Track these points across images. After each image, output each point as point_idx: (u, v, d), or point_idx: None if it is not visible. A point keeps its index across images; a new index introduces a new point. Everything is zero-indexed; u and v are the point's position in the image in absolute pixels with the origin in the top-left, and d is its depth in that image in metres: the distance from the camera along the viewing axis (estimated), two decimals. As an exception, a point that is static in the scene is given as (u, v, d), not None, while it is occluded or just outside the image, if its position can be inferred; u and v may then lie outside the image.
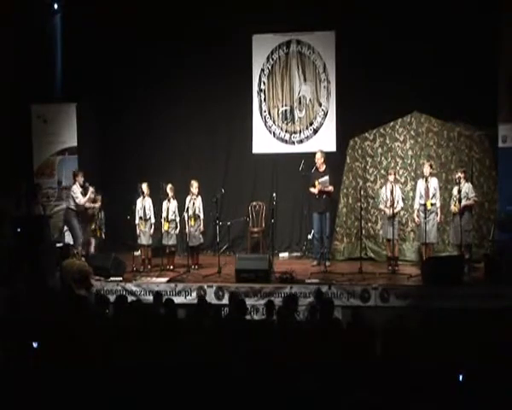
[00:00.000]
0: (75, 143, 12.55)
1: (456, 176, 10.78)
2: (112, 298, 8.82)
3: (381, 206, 11.16)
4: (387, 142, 12.10)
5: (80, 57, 12.62)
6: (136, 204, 11.47)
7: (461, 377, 4.92)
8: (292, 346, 5.71)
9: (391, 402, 4.78)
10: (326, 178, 11.35)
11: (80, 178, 11.45)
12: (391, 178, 11.03)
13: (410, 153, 11.92)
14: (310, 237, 12.15)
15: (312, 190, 11.46)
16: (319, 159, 11.45)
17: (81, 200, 11.31)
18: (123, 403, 4.83)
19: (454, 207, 10.65)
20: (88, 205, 11.48)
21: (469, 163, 11.53)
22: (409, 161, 11.93)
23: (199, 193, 11.52)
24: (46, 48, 12.73)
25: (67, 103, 12.60)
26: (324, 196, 11.40)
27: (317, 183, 11.33)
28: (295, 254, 12.79)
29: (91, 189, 11.54)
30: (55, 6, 12.73)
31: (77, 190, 11.34)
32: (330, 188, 11.45)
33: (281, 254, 12.65)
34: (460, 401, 4.82)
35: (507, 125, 10.97)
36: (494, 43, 11.27)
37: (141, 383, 4.99)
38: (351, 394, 4.67)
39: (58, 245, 11.48)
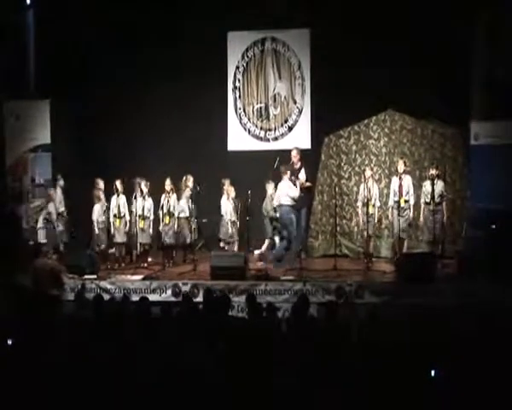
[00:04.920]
0: (48, 140, 12.41)
1: (430, 173, 10.91)
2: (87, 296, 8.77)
3: (359, 203, 11.25)
4: (362, 139, 12.19)
5: (53, 53, 12.47)
6: (110, 202, 11.42)
7: (433, 373, 4.97)
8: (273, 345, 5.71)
9: (364, 398, 4.83)
10: (303, 175, 11.46)
11: (288, 173, 11.19)
12: (367, 174, 11.12)
13: (384, 150, 12.02)
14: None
15: None
16: (295, 156, 11.52)
17: (296, 193, 11.10)
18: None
19: (427, 205, 10.81)
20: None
21: (442, 160, 11.67)
22: (383, 159, 12.03)
23: (174, 191, 11.50)
24: (18, 43, 12.56)
25: (40, 100, 12.46)
26: (302, 194, 11.44)
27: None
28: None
29: (301, 178, 11.34)
30: (28, 1, 12.58)
31: (288, 185, 11.16)
32: (308, 184, 11.55)
33: (256, 252, 12.65)
34: (432, 396, 4.88)
35: (479, 123, 11.09)
36: (467, 41, 11.37)
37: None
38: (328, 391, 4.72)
39: (30, 243, 11.39)
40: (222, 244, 11.80)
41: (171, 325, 6.36)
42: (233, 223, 11.76)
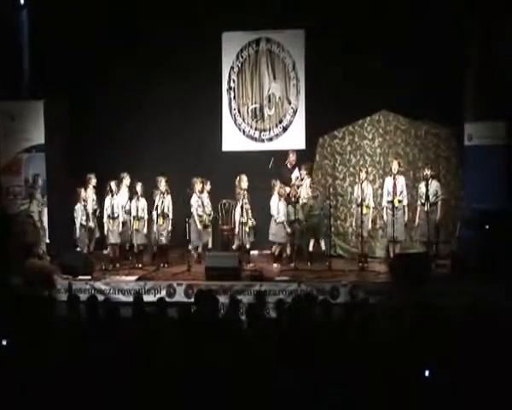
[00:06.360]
0: (42, 141, 12.40)
1: (424, 173, 10.96)
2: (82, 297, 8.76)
3: (354, 204, 11.28)
4: (356, 140, 12.21)
5: (47, 53, 12.46)
6: (104, 202, 11.40)
7: (427, 373, 4.99)
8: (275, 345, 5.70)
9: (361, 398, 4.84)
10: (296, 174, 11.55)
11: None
12: (362, 176, 11.14)
13: (378, 151, 12.04)
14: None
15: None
16: (292, 159, 11.73)
17: None
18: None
19: (422, 206, 10.85)
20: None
21: (436, 161, 11.71)
22: (377, 159, 12.05)
23: (168, 191, 11.48)
24: (13, 44, 12.54)
25: (35, 100, 12.45)
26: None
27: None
28: (265, 251, 12.80)
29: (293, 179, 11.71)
30: (22, 1, 12.56)
31: None
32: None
33: (251, 252, 12.64)
34: (430, 396, 4.90)
35: (472, 124, 11.12)
36: (461, 42, 11.41)
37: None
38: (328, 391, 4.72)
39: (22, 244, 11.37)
40: (274, 247, 11.52)
41: (170, 326, 6.35)
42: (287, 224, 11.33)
